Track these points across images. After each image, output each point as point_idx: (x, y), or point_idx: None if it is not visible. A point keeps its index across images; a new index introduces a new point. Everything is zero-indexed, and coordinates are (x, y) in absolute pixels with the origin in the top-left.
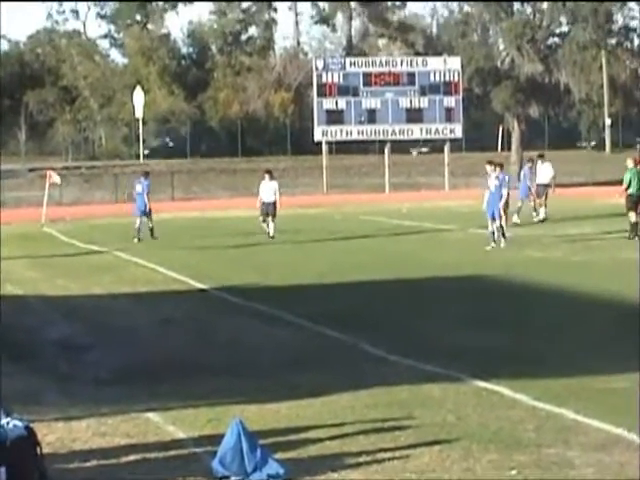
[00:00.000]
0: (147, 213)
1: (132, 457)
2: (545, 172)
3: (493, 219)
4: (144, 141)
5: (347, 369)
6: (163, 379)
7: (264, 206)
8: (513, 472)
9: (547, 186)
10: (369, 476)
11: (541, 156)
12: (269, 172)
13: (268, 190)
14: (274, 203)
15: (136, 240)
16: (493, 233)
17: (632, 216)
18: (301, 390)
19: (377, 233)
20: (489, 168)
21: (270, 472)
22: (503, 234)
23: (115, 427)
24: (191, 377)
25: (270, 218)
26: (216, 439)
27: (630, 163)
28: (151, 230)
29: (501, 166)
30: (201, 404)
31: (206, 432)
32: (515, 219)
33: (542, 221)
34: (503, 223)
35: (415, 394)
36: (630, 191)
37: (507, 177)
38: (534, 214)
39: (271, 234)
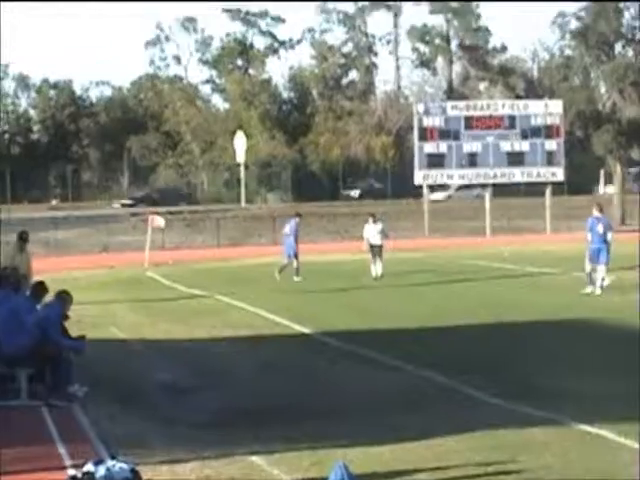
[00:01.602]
0: (294, 254)
1: None
2: None
3: (593, 262)
4: (246, 186)
5: (450, 412)
6: (266, 422)
7: (372, 248)
8: None
9: None
10: None
11: None
12: (372, 215)
13: (374, 232)
14: (380, 245)
15: (277, 275)
16: (589, 275)
17: None
18: (405, 433)
19: (478, 277)
20: (596, 210)
21: None
22: (602, 279)
23: (219, 470)
24: (294, 420)
25: (377, 259)
26: None
27: None
28: (296, 270)
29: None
30: (304, 447)
31: (310, 475)
32: None
33: None
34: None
35: (518, 437)
36: None
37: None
38: None
39: (374, 275)
